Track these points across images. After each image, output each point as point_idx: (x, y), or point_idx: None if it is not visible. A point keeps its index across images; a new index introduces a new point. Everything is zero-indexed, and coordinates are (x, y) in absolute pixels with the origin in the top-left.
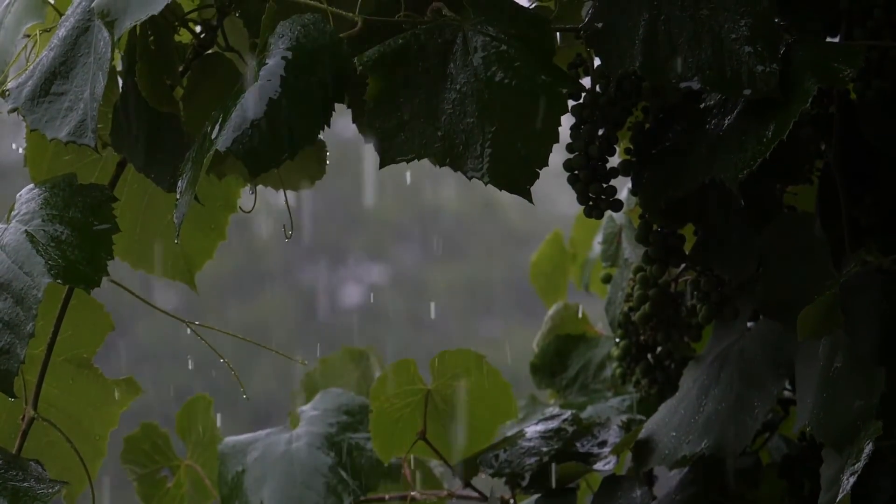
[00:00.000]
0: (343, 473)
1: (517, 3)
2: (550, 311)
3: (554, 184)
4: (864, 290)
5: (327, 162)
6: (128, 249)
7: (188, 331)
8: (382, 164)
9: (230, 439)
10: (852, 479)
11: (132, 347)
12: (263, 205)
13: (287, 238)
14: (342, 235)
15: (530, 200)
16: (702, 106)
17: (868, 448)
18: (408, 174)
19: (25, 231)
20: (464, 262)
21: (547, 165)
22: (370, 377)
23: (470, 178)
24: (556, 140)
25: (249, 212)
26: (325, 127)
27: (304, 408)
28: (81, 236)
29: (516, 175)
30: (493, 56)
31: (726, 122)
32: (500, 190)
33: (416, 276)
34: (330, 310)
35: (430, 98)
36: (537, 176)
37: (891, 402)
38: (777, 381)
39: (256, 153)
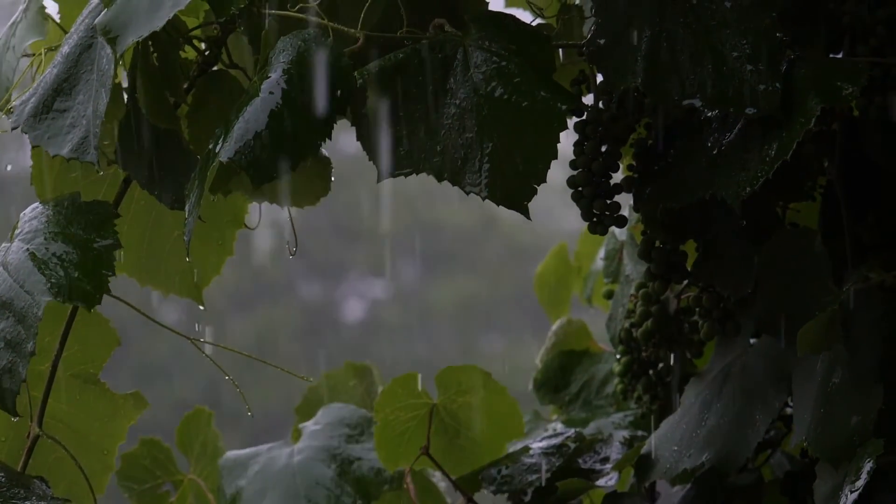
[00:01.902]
0: (345, 484)
1: (519, 20)
2: (554, 327)
3: (558, 200)
4: (865, 307)
5: (332, 179)
6: (136, 266)
7: (191, 346)
8: (381, 178)
9: (231, 453)
10: (853, 496)
11: (134, 362)
12: (266, 221)
13: (291, 255)
14: (344, 251)
15: (528, 216)
16: (701, 118)
17: (868, 466)
18: (410, 189)
19: (28, 250)
20: (466, 278)
21: (545, 182)
22: (374, 392)
23: (468, 193)
24: (555, 156)
25: (254, 228)
26: (327, 139)
27: (307, 423)
28: (83, 254)
29: (514, 191)
30: (493, 71)
31: (727, 137)
32: (498, 206)
33: (417, 291)
34: (332, 325)
35: (429, 112)
36: (535, 192)
37: (889, 419)
38: (779, 396)
39: (259, 163)
